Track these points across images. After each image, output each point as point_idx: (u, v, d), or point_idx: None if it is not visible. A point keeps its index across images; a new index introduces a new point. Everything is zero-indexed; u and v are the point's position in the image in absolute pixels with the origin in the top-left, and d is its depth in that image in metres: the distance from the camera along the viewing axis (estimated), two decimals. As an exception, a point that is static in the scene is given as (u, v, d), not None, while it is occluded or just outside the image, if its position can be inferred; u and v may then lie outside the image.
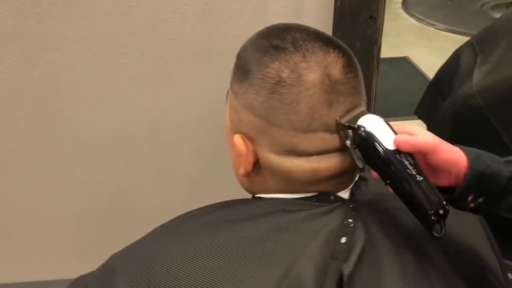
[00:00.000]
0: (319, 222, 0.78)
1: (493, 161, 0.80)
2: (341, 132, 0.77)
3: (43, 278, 1.89)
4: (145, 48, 1.55)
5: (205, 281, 0.72)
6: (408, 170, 0.73)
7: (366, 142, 0.74)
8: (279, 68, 0.77)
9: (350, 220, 0.79)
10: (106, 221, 1.81)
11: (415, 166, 0.74)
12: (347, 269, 0.72)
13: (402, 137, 0.76)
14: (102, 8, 1.49)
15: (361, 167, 0.78)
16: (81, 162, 1.70)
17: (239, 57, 0.84)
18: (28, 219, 1.79)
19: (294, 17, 1.57)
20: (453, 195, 0.79)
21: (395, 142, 0.75)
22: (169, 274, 0.74)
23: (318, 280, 0.72)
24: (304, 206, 0.81)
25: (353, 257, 0.74)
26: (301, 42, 0.78)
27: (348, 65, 0.79)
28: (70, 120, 1.63)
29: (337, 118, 0.76)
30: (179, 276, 0.73)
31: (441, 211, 0.72)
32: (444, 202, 0.73)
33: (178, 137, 1.71)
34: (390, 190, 0.78)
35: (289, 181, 0.82)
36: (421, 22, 3.89)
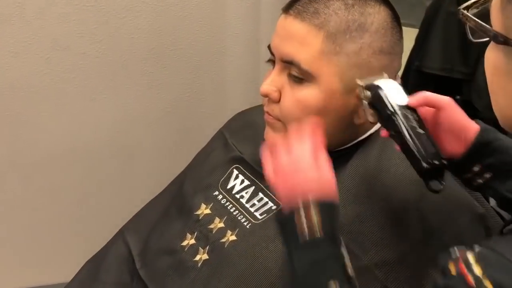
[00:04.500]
0: None
1: (507, 139, 0.80)
2: (360, 92, 0.86)
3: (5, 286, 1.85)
4: (104, 48, 1.54)
5: None
6: (410, 123, 0.80)
7: (378, 97, 0.83)
8: None
9: None
10: (70, 227, 1.77)
11: (419, 121, 0.81)
12: None
13: (417, 94, 0.81)
14: (57, 9, 1.47)
15: (371, 121, 0.86)
16: (42, 167, 1.66)
17: None
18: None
19: (250, 13, 1.58)
20: (458, 159, 0.80)
21: (410, 99, 0.81)
22: None
23: None
24: None
25: None
26: None
27: None
28: (28, 125, 1.59)
29: (357, 80, 0.86)
30: None
31: (435, 161, 0.77)
32: (442, 156, 0.78)
33: (140, 136, 1.70)
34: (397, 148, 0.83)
35: None
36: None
